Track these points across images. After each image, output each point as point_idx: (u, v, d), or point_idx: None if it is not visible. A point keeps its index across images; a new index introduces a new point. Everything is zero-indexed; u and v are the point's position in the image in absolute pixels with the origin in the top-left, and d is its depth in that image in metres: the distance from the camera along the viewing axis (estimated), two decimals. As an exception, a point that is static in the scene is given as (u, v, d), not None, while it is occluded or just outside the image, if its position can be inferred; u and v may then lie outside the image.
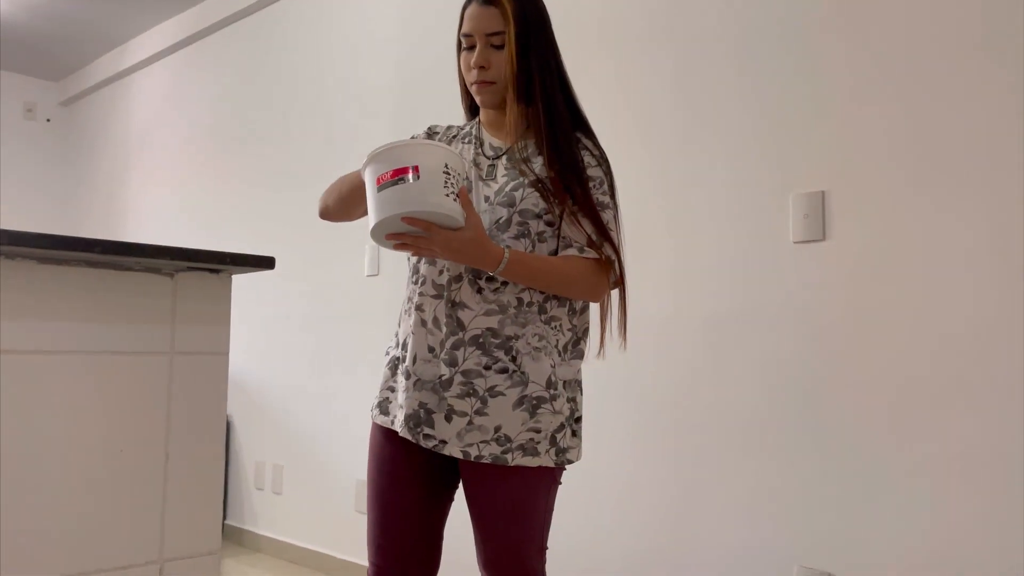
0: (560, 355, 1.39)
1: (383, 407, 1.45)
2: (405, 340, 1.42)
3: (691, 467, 2.16)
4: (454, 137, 1.53)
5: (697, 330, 2.18)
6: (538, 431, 1.34)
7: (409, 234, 1.26)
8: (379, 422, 1.45)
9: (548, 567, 1.43)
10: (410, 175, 1.20)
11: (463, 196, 1.25)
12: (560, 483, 1.42)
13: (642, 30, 2.38)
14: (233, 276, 1.35)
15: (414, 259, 1.45)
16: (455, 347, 1.35)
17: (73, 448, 1.15)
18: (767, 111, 2.10)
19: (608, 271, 1.40)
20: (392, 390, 1.44)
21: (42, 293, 1.14)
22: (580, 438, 1.42)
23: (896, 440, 1.82)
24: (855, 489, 1.88)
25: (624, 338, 1.47)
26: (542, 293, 1.38)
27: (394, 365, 1.46)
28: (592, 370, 2.34)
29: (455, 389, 1.34)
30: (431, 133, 1.56)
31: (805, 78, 2.03)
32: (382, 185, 1.22)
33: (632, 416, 2.30)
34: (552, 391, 1.35)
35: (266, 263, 1.30)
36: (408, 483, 1.42)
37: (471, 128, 1.51)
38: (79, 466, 1.16)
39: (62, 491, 1.14)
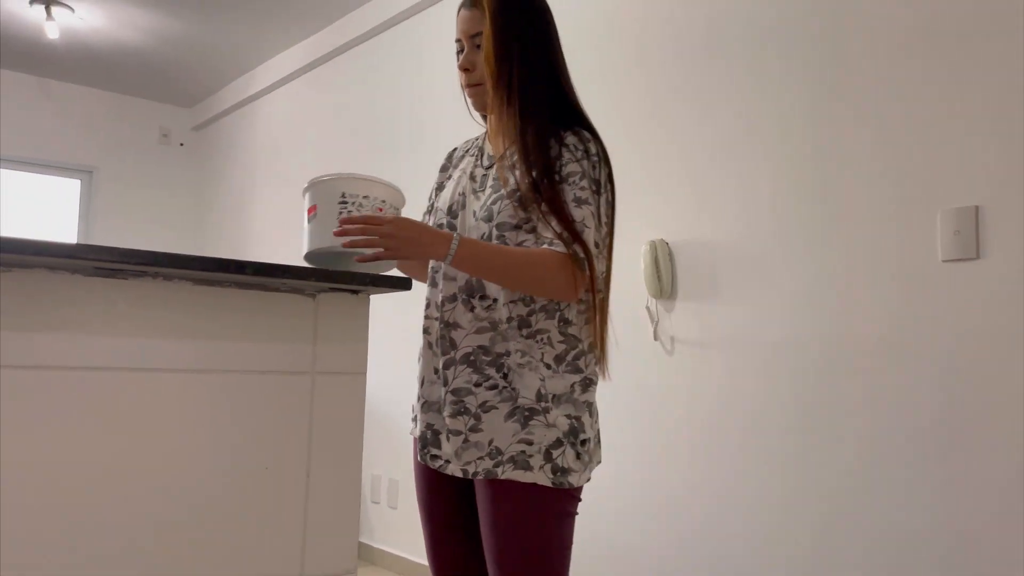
0: (549, 368, 1.31)
1: (416, 421, 1.46)
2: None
3: (832, 503, 2.04)
4: (466, 153, 1.50)
5: (837, 356, 2.07)
6: (530, 443, 1.28)
7: (368, 255, 1.25)
8: (415, 435, 1.45)
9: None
10: (310, 215, 1.27)
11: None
12: (575, 514, 1.31)
13: (777, 38, 2.29)
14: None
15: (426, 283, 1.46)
16: (446, 366, 1.34)
17: (221, 464, 1.18)
18: (911, 117, 1.97)
19: (574, 266, 1.27)
20: None
21: (197, 313, 1.18)
22: (586, 462, 1.31)
23: (1066, 478, 1.66)
24: (1018, 529, 1.72)
25: (602, 360, 1.36)
26: (526, 307, 1.31)
27: (421, 382, 1.46)
28: (719, 392, 2.26)
29: (448, 408, 1.33)
30: (449, 157, 1.56)
31: (954, 80, 1.90)
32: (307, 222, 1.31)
33: (765, 445, 2.20)
34: (543, 403, 1.29)
35: (403, 284, 1.31)
36: (447, 496, 1.42)
37: (479, 138, 1.47)
38: (226, 482, 1.19)
39: (208, 506, 1.17)
